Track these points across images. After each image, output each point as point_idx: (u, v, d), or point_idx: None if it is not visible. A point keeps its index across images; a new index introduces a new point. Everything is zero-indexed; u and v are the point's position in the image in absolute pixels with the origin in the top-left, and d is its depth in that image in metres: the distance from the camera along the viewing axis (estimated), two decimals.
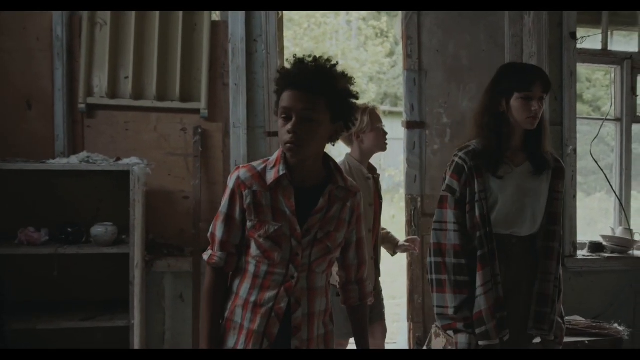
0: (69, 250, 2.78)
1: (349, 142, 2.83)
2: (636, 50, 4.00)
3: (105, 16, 3.14)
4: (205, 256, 1.76)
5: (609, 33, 3.99)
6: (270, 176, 1.68)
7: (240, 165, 1.76)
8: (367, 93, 14.16)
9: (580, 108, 5.86)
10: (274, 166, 1.70)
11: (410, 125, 3.55)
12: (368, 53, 14.02)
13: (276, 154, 1.74)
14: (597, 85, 9.20)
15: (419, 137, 3.54)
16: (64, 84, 3.12)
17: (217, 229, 1.74)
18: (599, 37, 3.94)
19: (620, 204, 3.88)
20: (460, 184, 2.20)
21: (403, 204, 3.74)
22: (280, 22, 3.40)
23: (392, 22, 12.56)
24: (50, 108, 3.12)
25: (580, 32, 3.80)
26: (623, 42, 4.21)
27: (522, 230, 2.23)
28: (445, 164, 3.55)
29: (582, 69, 4.65)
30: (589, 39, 3.88)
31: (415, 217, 3.53)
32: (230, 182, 1.72)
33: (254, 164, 1.75)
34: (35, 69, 3.13)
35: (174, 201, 3.26)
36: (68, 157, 2.96)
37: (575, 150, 3.72)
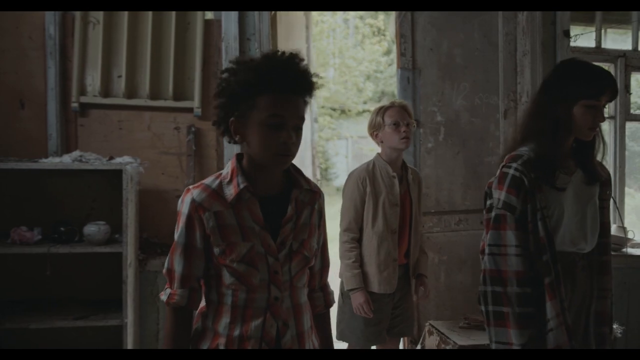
0: (61, 249, 2.78)
1: (378, 140, 2.86)
2: (630, 48, 4.00)
3: (98, 15, 3.14)
4: (164, 296, 1.54)
5: (603, 31, 4.00)
6: (230, 191, 1.51)
7: (191, 187, 1.55)
8: (364, 91, 14.18)
9: None
10: (230, 180, 1.52)
11: None
12: (365, 51, 14.04)
13: (229, 166, 1.56)
14: None
15: (413, 135, 3.54)
16: (57, 83, 3.12)
17: (176, 263, 1.52)
18: (593, 35, 3.95)
19: (614, 201, 3.89)
20: (519, 200, 1.87)
21: None
22: (274, 21, 3.39)
23: (389, 20, 12.57)
24: (43, 107, 3.12)
25: (574, 30, 3.81)
26: (619, 39, 4.22)
27: (587, 246, 1.98)
28: (439, 162, 3.59)
29: None
30: (583, 37, 3.89)
31: None
32: (184, 207, 1.51)
33: (206, 181, 1.55)
34: (28, 68, 3.13)
35: (167, 200, 3.26)
36: (61, 156, 2.96)
37: None
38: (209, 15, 3.36)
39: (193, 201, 1.50)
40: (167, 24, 3.20)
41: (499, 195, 1.90)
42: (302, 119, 1.50)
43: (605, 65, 4.09)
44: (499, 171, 1.94)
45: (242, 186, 1.50)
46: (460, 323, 3.34)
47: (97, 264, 3.01)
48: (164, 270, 1.56)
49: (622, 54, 3.94)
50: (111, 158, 2.96)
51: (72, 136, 3.19)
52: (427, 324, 3.50)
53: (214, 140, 3.29)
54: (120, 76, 3.17)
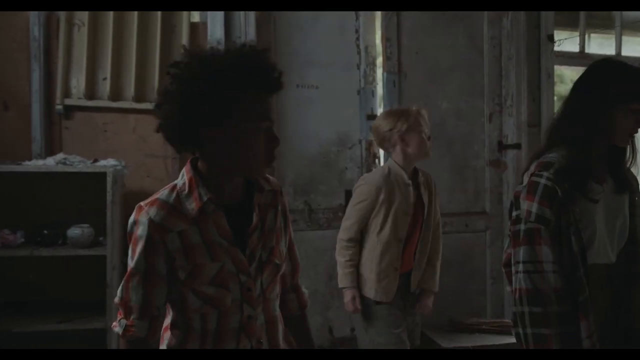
0: (44, 252, 2.76)
1: (391, 145, 2.71)
2: (613, 52, 4.04)
3: (82, 17, 3.13)
4: (118, 329, 1.35)
5: (587, 36, 4.04)
6: (191, 205, 1.33)
7: (142, 203, 1.34)
8: None
9: None
10: (189, 192, 1.34)
11: None
12: None
13: (184, 175, 1.38)
14: None
15: None
16: (41, 85, 3.10)
17: (133, 292, 1.33)
18: (577, 40, 3.99)
19: None
20: (552, 212, 1.71)
21: None
22: (266, 22, 3.38)
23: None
24: (27, 109, 3.10)
25: (558, 34, 3.85)
26: (605, 43, 4.27)
27: (614, 257, 1.84)
28: (424, 165, 3.58)
29: (568, 71, 4.70)
30: (567, 42, 3.93)
31: None
32: (140, 229, 1.31)
33: (160, 196, 1.35)
34: (12, 70, 3.10)
35: None
36: (45, 159, 2.94)
37: None
38: (195, 17, 3.36)
39: (151, 221, 1.30)
40: (152, 27, 3.20)
41: (530, 207, 1.73)
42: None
43: None
44: (527, 179, 1.78)
45: (205, 198, 1.33)
46: (445, 326, 3.36)
47: (81, 267, 2.99)
48: (117, 300, 1.37)
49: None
50: (95, 161, 2.94)
51: (56, 139, 3.17)
52: None
53: None
54: (105, 78, 3.16)
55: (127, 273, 1.34)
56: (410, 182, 2.69)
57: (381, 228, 2.63)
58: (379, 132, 2.73)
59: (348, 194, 3.48)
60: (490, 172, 3.77)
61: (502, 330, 3.14)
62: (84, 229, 2.81)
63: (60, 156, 2.88)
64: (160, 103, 1.33)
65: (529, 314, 1.71)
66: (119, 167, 2.88)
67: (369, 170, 3.49)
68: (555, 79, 3.87)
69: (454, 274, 3.68)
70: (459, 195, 3.72)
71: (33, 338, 2.91)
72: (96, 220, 2.88)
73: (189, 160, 1.41)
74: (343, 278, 2.68)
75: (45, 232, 2.84)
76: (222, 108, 1.29)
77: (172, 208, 1.33)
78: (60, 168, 2.79)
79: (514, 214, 1.79)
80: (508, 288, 1.87)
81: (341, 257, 2.68)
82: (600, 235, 1.78)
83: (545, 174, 1.73)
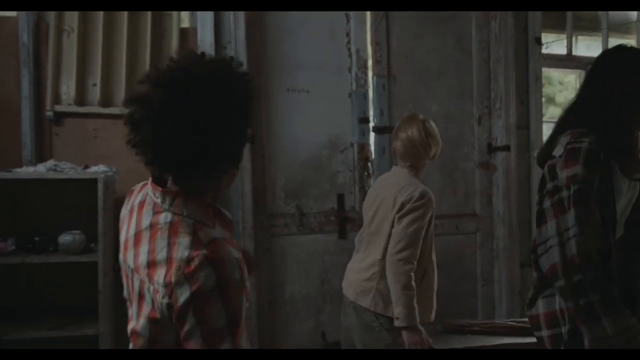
0: (36, 259, 2.75)
1: (423, 162, 2.63)
2: None
3: (72, 23, 3.12)
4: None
5: (574, 38, 4.08)
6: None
7: (207, 252, 1.20)
8: None
9: (553, 111, 5.97)
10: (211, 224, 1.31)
11: (379, 130, 3.58)
12: None
13: (199, 211, 1.30)
14: (569, 88, 9.36)
15: (389, 142, 3.57)
16: (31, 91, 3.09)
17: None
18: (564, 42, 4.03)
19: None
20: (597, 176, 1.67)
21: None
22: (257, 25, 3.39)
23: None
24: (17, 116, 3.09)
25: (546, 37, 3.89)
26: (593, 45, 4.31)
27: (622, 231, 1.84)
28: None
29: (556, 73, 4.76)
30: (554, 44, 3.97)
31: None
32: (236, 270, 1.22)
33: (220, 234, 1.28)
34: (1, 76, 3.09)
35: None
36: (35, 166, 2.93)
37: None
38: (185, 22, 3.36)
39: (237, 260, 1.23)
40: (142, 32, 3.20)
41: (574, 170, 1.65)
42: None
43: (576, 72, 4.18)
44: (563, 150, 1.70)
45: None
46: (436, 328, 3.37)
47: (73, 274, 2.98)
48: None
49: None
50: (86, 167, 2.94)
51: (46, 145, 3.16)
52: None
53: None
54: (95, 84, 3.16)
55: (238, 329, 1.22)
56: None
57: (431, 248, 2.57)
58: (428, 144, 2.62)
59: (340, 198, 3.50)
60: (480, 174, 3.80)
61: (494, 332, 3.16)
62: (75, 235, 2.81)
63: (51, 163, 2.87)
64: (167, 120, 1.22)
65: (591, 280, 1.58)
66: (110, 173, 2.88)
67: (361, 174, 3.51)
68: (543, 81, 3.91)
69: (444, 276, 3.68)
70: (449, 198, 3.75)
71: (25, 345, 2.90)
72: (87, 226, 2.87)
73: (184, 193, 1.31)
74: (409, 315, 2.40)
75: (37, 239, 2.83)
76: (238, 137, 1.30)
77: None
78: (51, 175, 2.79)
79: (550, 185, 1.71)
80: (535, 274, 1.80)
81: (410, 290, 2.41)
82: (625, 211, 1.78)
83: (585, 139, 1.68)
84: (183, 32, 3.29)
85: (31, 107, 3.09)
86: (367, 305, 2.52)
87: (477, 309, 3.78)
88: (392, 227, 2.50)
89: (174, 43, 3.23)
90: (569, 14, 4.02)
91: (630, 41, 4.32)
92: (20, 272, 2.95)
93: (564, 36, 4.03)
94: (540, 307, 1.81)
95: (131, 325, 1.34)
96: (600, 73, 1.83)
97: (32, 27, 3.10)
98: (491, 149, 3.80)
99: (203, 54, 1.32)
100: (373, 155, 3.57)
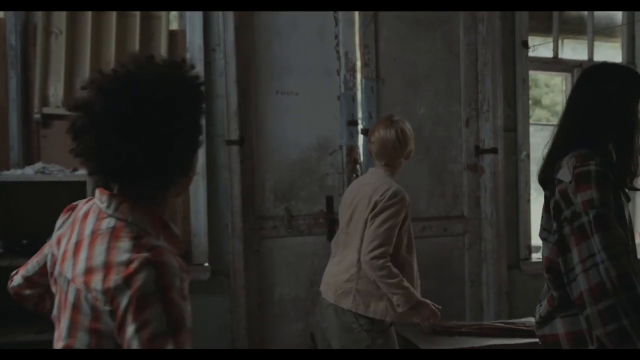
0: (24, 262, 2.69)
1: (398, 161, 2.71)
2: (586, 58, 4.13)
3: (60, 25, 3.11)
4: None
5: (560, 41, 4.13)
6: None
7: (156, 254, 1.17)
8: None
9: (540, 113, 6.02)
10: (156, 238, 1.27)
11: (368, 133, 3.59)
12: None
13: (142, 216, 1.25)
14: (555, 91, 9.43)
15: None
16: (19, 94, 3.08)
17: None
18: (551, 45, 4.07)
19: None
20: (611, 196, 1.67)
21: None
22: (247, 27, 3.40)
23: None
24: (5, 118, 3.07)
25: (533, 40, 3.93)
26: (579, 47, 4.35)
27: None
28: (403, 169, 3.59)
29: (542, 75, 4.80)
30: (541, 47, 4.00)
31: None
32: (176, 279, 1.16)
33: (159, 243, 1.23)
34: None
35: None
36: (23, 168, 2.92)
37: (528, 155, 3.83)
38: (174, 25, 3.37)
39: (179, 269, 1.18)
40: (131, 35, 3.19)
41: (589, 195, 1.65)
42: None
43: (563, 75, 4.23)
44: (571, 174, 1.70)
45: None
46: (425, 329, 3.39)
47: None
48: None
49: (579, 64, 4.07)
50: (75, 170, 2.93)
51: (34, 147, 3.15)
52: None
53: None
54: (83, 87, 3.14)
55: (180, 336, 1.12)
56: None
57: (409, 245, 2.62)
58: (400, 144, 2.67)
59: (329, 200, 3.51)
60: (468, 176, 3.83)
61: (482, 333, 3.18)
62: None
63: (39, 165, 2.86)
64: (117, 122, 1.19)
65: (626, 300, 1.56)
66: None
67: (350, 176, 3.52)
68: (530, 83, 3.95)
69: (433, 278, 3.72)
70: (437, 200, 3.77)
71: (14, 348, 2.89)
72: None
73: (127, 198, 1.26)
74: (408, 295, 2.50)
75: (25, 241, 2.82)
76: (196, 130, 1.30)
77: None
78: (40, 177, 2.78)
79: (567, 212, 1.69)
80: (555, 293, 1.79)
81: (395, 277, 2.48)
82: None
83: (592, 162, 1.69)
84: (172, 35, 3.29)
85: (19, 109, 3.08)
86: (348, 306, 2.55)
87: (465, 310, 3.81)
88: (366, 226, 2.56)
89: (162, 45, 3.23)
90: (555, 17, 4.06)
91: (615, 44, 4.38)
92: (8, 275, 2.92)
93: (550, 39, 4.08)
94: (560, 326, 1.79)
95: (61, 344, 1.23)
96: (590, 90, 1.83)
97: (19, 29, 3.08)
98: (479, 151, 3.82)
99: (152, 57, 1.27)
100: (362, 158, 3.58)
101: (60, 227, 1.40)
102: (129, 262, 1.13)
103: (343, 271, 2.62)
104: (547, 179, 1.82)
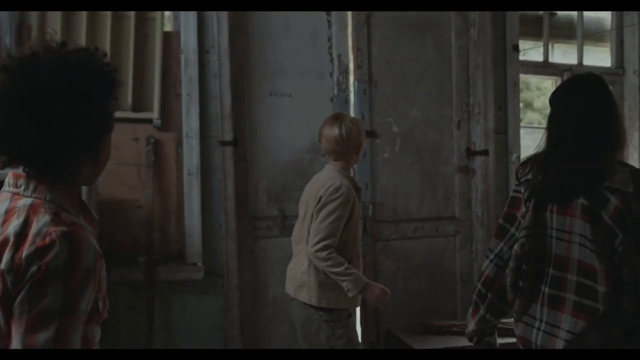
0: None
1: (348, 156, 2.74)
2: (575, 62, 4.19)
3: (55, 25, 3.12)
4: None
5: (550, 46, 4.18)
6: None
7: (64, 227, 1.18)
8: None
9: (531, 116, 6.07)
10: (81, 215, 1.30)
11: None
12: None
13: (64, 195, 1.27)
14: (546, 94, 9.50)
15: (370, 146, 3.63)
16: None
17: (74, 342, 1.18)
18: (541, 50, 4.12)
19: None
20: None
21: None
22: (241, 30, 3.43)
23: None
24: None
25: (523, 44, 3.98)
26: (570, 51, 4.41)
27: None
28: (395, 172, 3.69)
29: (534, 79, 4.86)
30: (532, 51, 4.06)
31: (367, 224, 3.60)
32: (88, 258, 1.18)
33: (70, 218, 1.23)
34: None
35: (127, 210, 3.26)
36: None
37: (519, 157, 3.87)
38: (168, 27, 3.39)
39: (95, 249, 1.20)
40: (125, 36, 3.21)
41: None
42: None
43: (553, 79, 4.28)
44: (632, 184, 1.72)
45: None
46: (417, 329, 3.43)
47: None
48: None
49: (569, 68, 4.12)
50: None
51: None
52: (385, 330, 3.58)
53: (174, 151, 3.31)
54: None
55: (66, 318, 1.14)
56: (360, 187, 2.81)
57: (355, 238, 2.69)
58: (351, 139, 2.72)
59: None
60: (459, 178, 3.87)
61: None
62: None
63: None
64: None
65: None
66: None
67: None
68: (522, 86, 3.99)
69: (425, 278, 3.77)
70: (429, 201, 3.81)
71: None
72: None
73: (44, 179, 1.25)
74: (359, 277, 2.60)
75: None
76: (102, 113, 1.29)
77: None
78: None
79: (629, 220, 1.70)
80: (590, 302, 1.74)
81: (339, 266, 2.56)
82: None
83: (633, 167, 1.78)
84: (166, 36, 3.31)
85: None
86: (304, 299, 2.66)
87: (457, 309, 3.84)
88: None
89: (157, 47, 3.25)
90: (546, 21, 4.12)
91: (605, 49, 4.45)
92: None
93: (540, 43, 4.13)
94: (621, 339, 1.72)
95: None
96: (598, 98, 1.84)
97: (14, 29, 3.10)
98: (470, 154, 3.87)
99: (64, 43, 1.29)
100: None
101: None
102: (45, 235, 1.15)
103: (298, 265, 2.73)
104: (579, 187, 1.78)
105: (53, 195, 1.24)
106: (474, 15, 3.80)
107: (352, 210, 2.65)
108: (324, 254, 2.55)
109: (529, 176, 1.89)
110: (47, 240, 1.14)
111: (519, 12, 3.92)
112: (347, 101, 3.58)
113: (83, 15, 3.13)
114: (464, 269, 3.85)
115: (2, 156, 1.24)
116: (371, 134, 3.63)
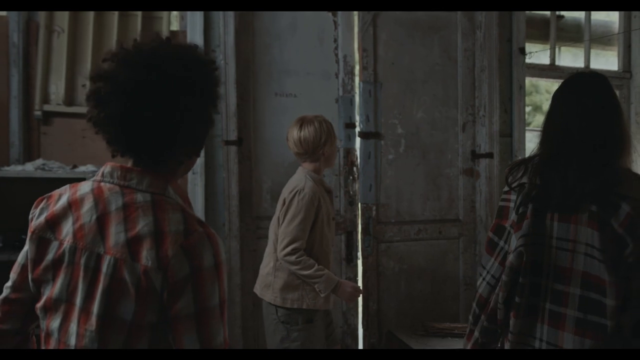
0: None
1: (314, 157, 2.72)
2: (582, 65, 4.18)
3: (62, 23, 3.15)
4: None
5: (557, 49, 4.17)
6: None
7: (206, 227, 1.25)
8: None
9: (540, 119, 6.08)
10: None
11: (365, 136, 3.64)
12: None
13: (175, 192, 1.33)
14: None
15: (374, 147, 3.63)
16: (20, 91, 3.11)
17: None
18: (548, 53, 4.11)
19: None
20: None
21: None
22: (247, 30, 3.43)
23: None
24: (6, 115, 3.11)
25: (529, 47, 3.97)
26: (579, 54, 4.39)
27: None
28: (399, 173, 3.69)
29: (543, 82, 4.84)
30: (538, 54, 4.05)
31: (370, 225, 3.61)
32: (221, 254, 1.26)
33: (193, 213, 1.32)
34: None
35: None
36: (23, 164, 2.96)
37: None
38: (175, 26, 3.40)
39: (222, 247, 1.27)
40: (132, 35, 3.23)
41: None
42: None
43: (559, 82, 4.26)
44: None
45: None
46: (418, 330, 3.43)
47: None
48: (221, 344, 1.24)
49: (576, 71, 4.09)
50: (75, 166, 2.97)
51: (34, 144, 3.18)
52: (387, 331, 3.59)
53: None
54: (84, 85, 3.19)
55: (216, 311, 1.21)
56: (330, 189, 2.81)
57: (322, 238, 2.68)
58: (310, 142, 2.69)
59: None
60: (464, 180, 3.87)
61: None
62: None
63: (39, 162, 2.90)
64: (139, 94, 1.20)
65: None
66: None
67: (346, 178, 3.55)
68: (531, 89, 3.99)
69: (427, 280, 3.76)
70: (433, 203, 3.81)
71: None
72: None
73: (157, 173, 1.27)
74: (330, 278, 2.61)
75: (24, 237, 2.84)
76: (208, 129, 1.32)
77: None
78: (40, 174, 2.81)
79: None
80: (596, 318, 1.61)
81: (309, 269, 2.58)
82: None
83: None
84: (173, 35, 3.32)
85: (20, 106, 3.11)
86: (268, 299, 2.68)
87: (459, 312, 3.84)
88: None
89: None
90: (553, 24, 4.10)
91: (612, 52, 4.43)
92: (7, 269, 2.95)
93: (547, 46, 4.12)
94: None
95: (93, 319, 1.19)
96: (606, 99, 1.76)
97: (22, 27, 3.12)
98: (475, 156, 3.86)
99: (169, 38, 1.29)
100: (359, 160, 3.62)
101: (40, 215, 1.36)
102: (187, 233, 1.18)
103: (265, 265, 2.77)
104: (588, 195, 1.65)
105: (168, 190, 1.26)
106: (480, 17, 3.80)
107: (318, 212, 2.64)
108: (293, 257, 2.57)
109: (523, 180, 1.75)
110: (191, 240, 1.18)
111: (526, 15, 3.92)
112: (352, 102, 3.58)
113: (90, 14, 3.16)
114: (467, 272, 3.85)
115: (115, 145, 1.25)
116: (376, 135, 3.64)
